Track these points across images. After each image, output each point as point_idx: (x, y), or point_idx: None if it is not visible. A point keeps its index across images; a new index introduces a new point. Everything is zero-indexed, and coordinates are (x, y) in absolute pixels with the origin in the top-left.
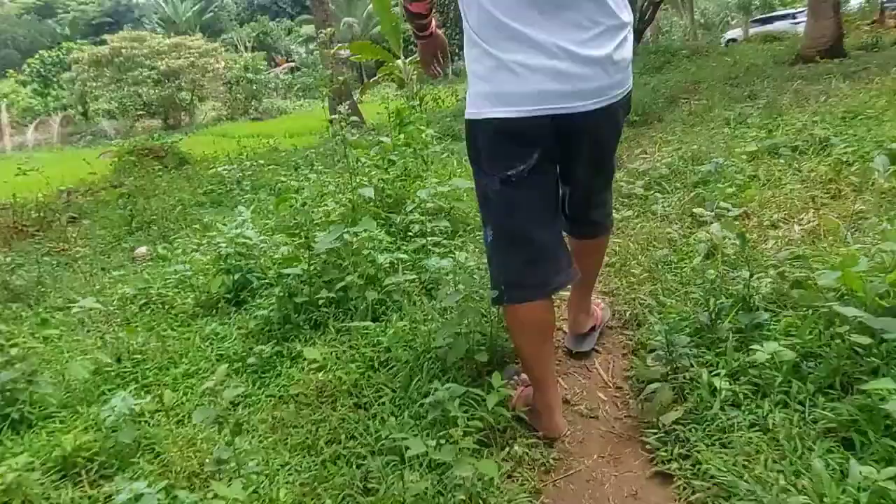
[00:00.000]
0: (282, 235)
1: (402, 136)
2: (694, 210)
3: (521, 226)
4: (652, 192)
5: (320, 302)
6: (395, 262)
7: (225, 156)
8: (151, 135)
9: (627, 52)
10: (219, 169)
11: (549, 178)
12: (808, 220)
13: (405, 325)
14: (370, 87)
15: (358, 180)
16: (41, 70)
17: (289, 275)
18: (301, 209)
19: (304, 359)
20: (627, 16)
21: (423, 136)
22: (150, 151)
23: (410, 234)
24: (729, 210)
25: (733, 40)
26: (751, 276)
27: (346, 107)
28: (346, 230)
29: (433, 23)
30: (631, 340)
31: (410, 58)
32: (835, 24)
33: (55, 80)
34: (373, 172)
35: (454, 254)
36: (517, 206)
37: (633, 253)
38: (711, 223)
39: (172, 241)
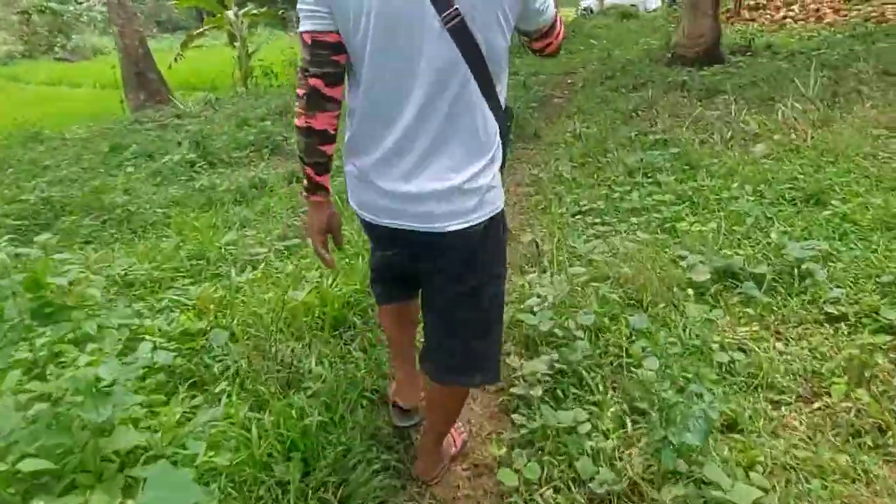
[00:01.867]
0: None
1: None
2: None
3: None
4: (568, 405)
5: None
6: None
7: None
8: None
9: (484, 179)
10: None
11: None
12: None
13: None
14: (194, 38)
15: None
16: None
17: None
18: None
19: None
20: (492, 142)
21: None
22: None
23: None
24: None
25: (589, 10)
26: None
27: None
28: None
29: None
30: None
31: (244, 10)
32: (713, 24)
33: None
34: None
35: None
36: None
37: None
38: None
39: None
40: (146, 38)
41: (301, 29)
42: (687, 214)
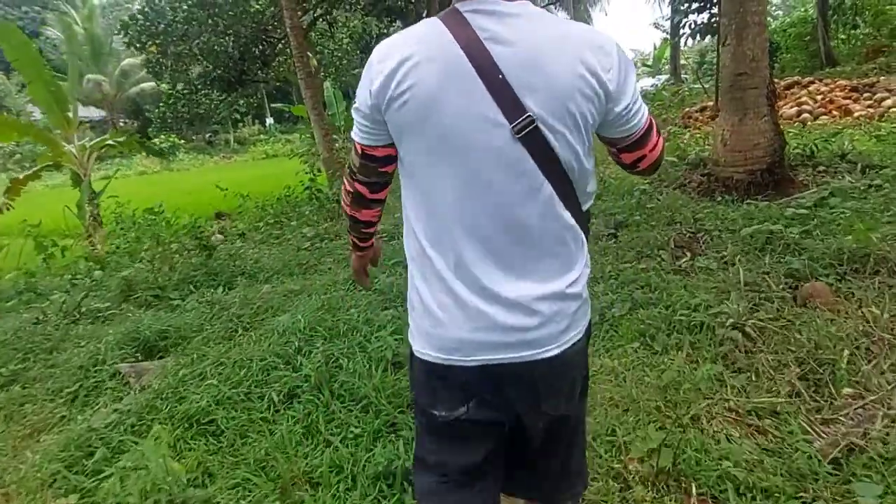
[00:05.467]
0: None
1: None
2: None
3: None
4: None
5: None
6: None
7: None
8: None
9: (578, 288)
10: None
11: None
12: None
13: None
14: (23, 183)
15: None
16: None
17: None
18: None
19: None
20: (581, 254)
21: None
22: None
23: None
24: None
25: None
26: None
27: None
28: None
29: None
30: None
31: (93, 142)
32: (773, 129)
33: None
34: None
35: None
36: (439, 449)
37: None
38: None
39: None
40: None
41: (353, 136)
42: None
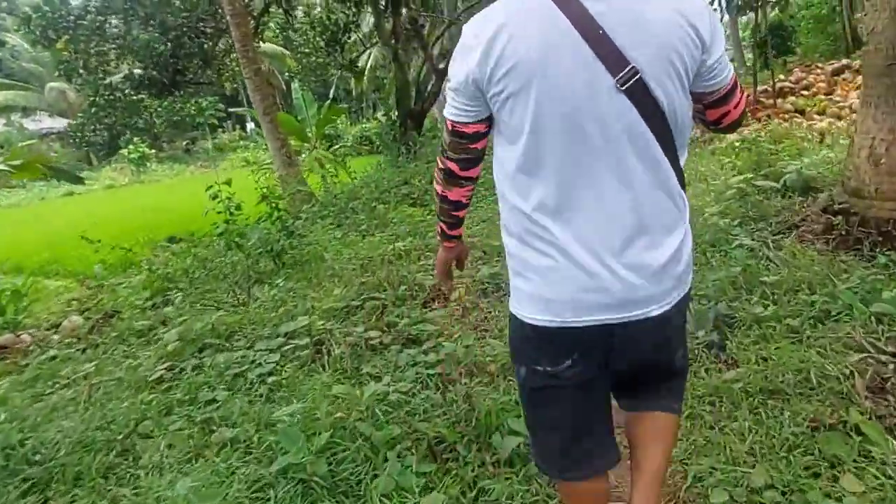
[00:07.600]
0: None
1: None
2: None
3: (554, 418)
4: None
5: None
6: None
7: None
8: None
9: (686, 248)
10: None
11: (592, 383)
12: None
13: None
14: None
15: None
16: None
17: None
18: None
19: None
20: (684, 210)
21: None
22: None
23: None
24: None
25: None
26: None
27: None
28: None
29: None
30: None
31: None
32: None
33: None
34: None
35: None
36: (550, 402)
37: None
38: None
39: None
40: None
41: (445, 112)
42: None
